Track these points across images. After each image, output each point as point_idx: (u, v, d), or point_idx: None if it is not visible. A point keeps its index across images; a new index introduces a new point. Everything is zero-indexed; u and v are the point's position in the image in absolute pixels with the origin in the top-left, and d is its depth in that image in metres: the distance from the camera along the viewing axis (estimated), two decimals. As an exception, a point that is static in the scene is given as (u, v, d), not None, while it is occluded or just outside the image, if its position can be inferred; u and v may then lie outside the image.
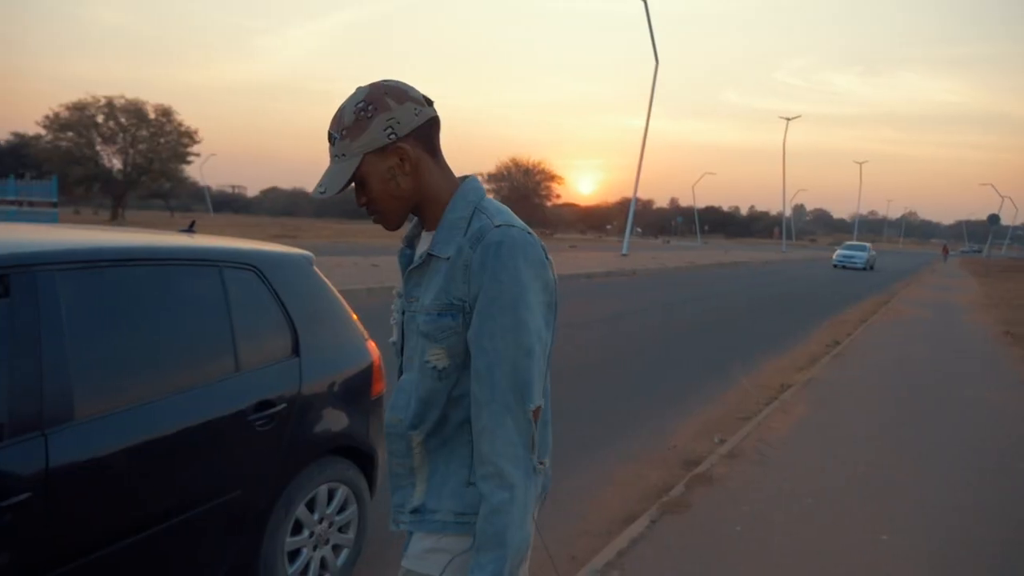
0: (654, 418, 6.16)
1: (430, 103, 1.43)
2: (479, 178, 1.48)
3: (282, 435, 2.63)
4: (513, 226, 1.37)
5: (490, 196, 1.48)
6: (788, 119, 66.12)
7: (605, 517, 4.06)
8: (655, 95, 29.09)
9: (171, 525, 2.26)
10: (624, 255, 32.79)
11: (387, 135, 1.36)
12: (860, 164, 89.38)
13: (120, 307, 2.28)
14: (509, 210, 1.45)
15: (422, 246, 1.47)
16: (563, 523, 3.92)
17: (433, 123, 1.42)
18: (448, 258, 1.37)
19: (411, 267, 1.45)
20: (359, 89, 1.40)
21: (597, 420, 5.98)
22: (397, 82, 1.41)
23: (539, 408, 1.38)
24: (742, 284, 22.52)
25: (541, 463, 1.42)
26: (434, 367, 1.40)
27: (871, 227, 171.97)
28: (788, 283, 24.57)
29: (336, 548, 2.98)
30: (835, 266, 36.86)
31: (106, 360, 2.19)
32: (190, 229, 3.10)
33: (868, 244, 39.12)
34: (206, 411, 2.40)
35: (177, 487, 2.30)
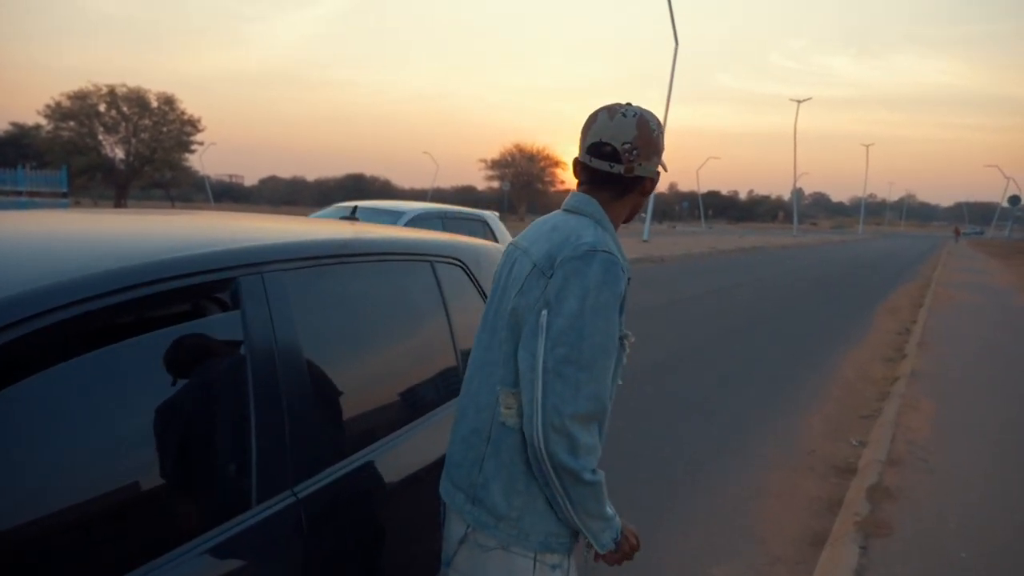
0: (767, 417, 5.65)
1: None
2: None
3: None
4: None
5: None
6: (799, 101, 65.20)
7: (785, 538, 3.56)
8: (675, 77, 28.26)
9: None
10: (646, 241, 32.22)
11: None
12: (867, 147, 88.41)
13: (349, 314, 1.75)
14: None
15: None
16: (743, 545, 3.43)
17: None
18: None
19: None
20: None
21: (715, 421, 5.47)
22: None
23: None
24: (775, 270, 21.96)
25: None
26: None
27: (872, 210, 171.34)
28: (818, 266, 24.05)
29: None
30: None
31: (344, 380, 1.66)
32: (352, 216, 2.61)
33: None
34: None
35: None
